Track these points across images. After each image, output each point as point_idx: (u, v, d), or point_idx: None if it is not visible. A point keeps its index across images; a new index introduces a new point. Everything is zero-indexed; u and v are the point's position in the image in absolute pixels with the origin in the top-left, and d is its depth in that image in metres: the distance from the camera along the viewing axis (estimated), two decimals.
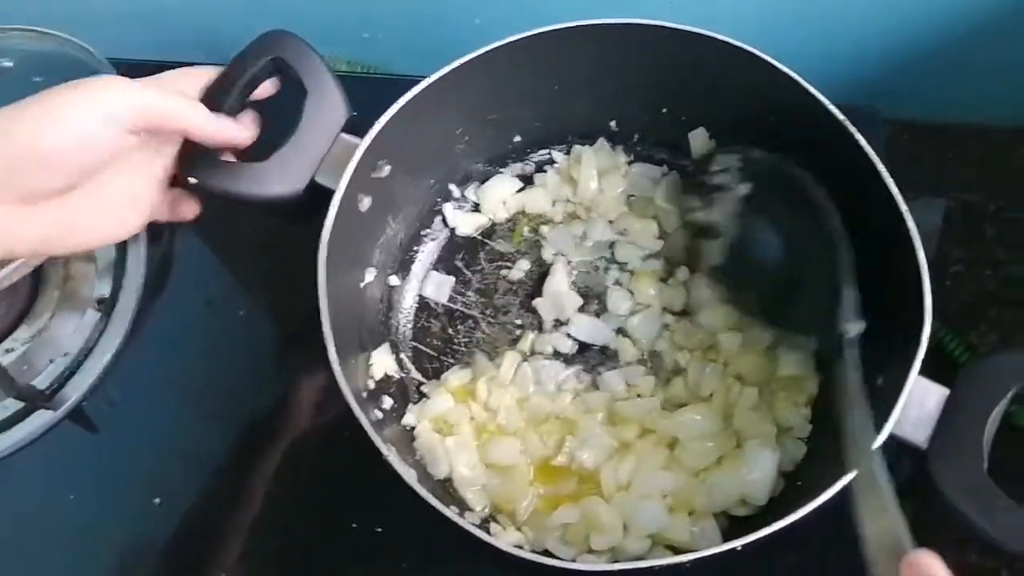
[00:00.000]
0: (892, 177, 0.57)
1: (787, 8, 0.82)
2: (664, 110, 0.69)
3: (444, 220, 0.72)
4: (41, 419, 0.71)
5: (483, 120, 0.68)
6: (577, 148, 0.72)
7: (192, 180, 0.58)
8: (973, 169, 0.95)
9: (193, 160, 0.58)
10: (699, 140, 0.69)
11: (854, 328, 0.53)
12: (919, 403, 0.50)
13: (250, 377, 0.73)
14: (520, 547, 0.54)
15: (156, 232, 0.79)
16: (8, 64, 0.79)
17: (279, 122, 0.60)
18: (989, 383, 0.50)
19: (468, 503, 0.61)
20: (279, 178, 0.58)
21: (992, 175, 0.94)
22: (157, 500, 0.68)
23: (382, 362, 0.66)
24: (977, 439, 0.48)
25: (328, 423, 0.68)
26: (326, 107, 0.58)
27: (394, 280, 0.69)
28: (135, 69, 0.74)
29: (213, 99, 0.58)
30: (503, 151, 0.72)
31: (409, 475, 0.51)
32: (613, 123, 0.71)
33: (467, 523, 0.52)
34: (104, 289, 0.76)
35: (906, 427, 0.50)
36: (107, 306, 0.75)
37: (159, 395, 0.73)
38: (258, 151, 0.59)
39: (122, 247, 0.78)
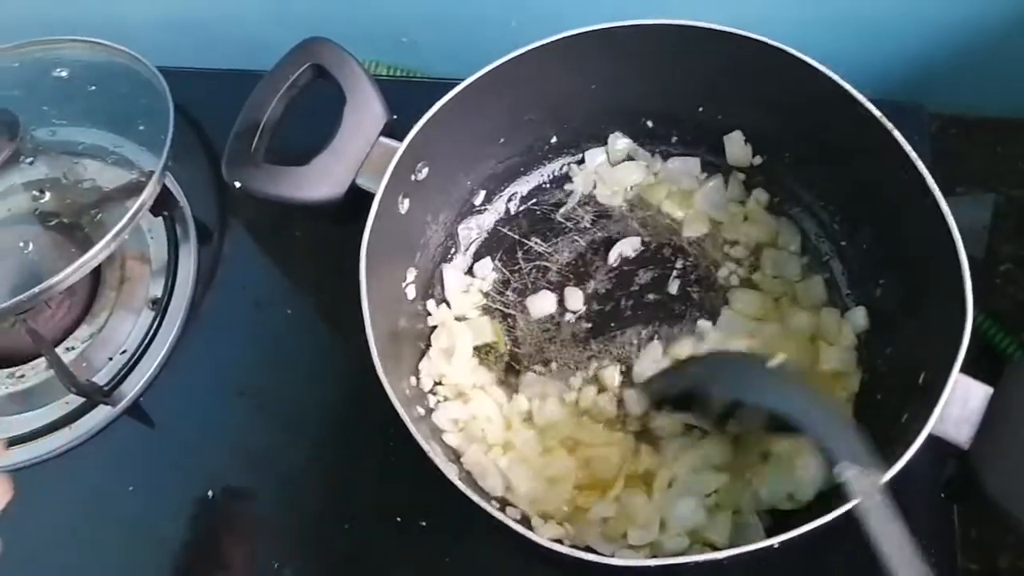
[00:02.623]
0: (939, 172, 0.56)
1: (827, 8, 0.82)
2: (700, 109, 0.69)
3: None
4: (101, 414, 0.75)
5: (520, 121, 0.69)
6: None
7: (237, 184, 0.60)
8: (1019, 162, 0.93)
9: (237, 164, 0.60)
10: (736, 145, 0.69)
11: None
12: (962, 402, 0.49)
13: (298, 374, 0.75)
14: (560, 542, 0.54)
15: (206, 235, 0.82)
16: (63, 74, 0.82)
17: (320, 127, 0.61)
18: None
19: (509, 500, 0.62)
20: (321, 181, 0.60)
21: None
22: (210, 493, 0.71)
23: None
24: (1021, 438, 0.47)
25: (372, 418, 0.69)
26: (365, 112, 0.60)
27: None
28: (182, 77, 0.78)
29: (255, 108, 0.59)
30: (540, 151, 0.73)
31: (451, 471, 0.53)
32: (649, 122, 0.72)
33: (508, 519, 0.53)
34: (157, 290, 0.79)
35: (948, 426, 0.49)
36: (161, 306, 0.78)
37: (211, 391, 0.76)
38: (300, 155, 0.60)
39: (174, 249, 0.81)
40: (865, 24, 0.85)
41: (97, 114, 0.82)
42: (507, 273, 0.72)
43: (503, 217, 0.74)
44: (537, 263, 0.72)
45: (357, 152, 0.60)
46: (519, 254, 0.73)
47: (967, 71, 0.90)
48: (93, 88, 0.82)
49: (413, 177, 0.62)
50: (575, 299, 0.69)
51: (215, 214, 0.83)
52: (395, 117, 0.62)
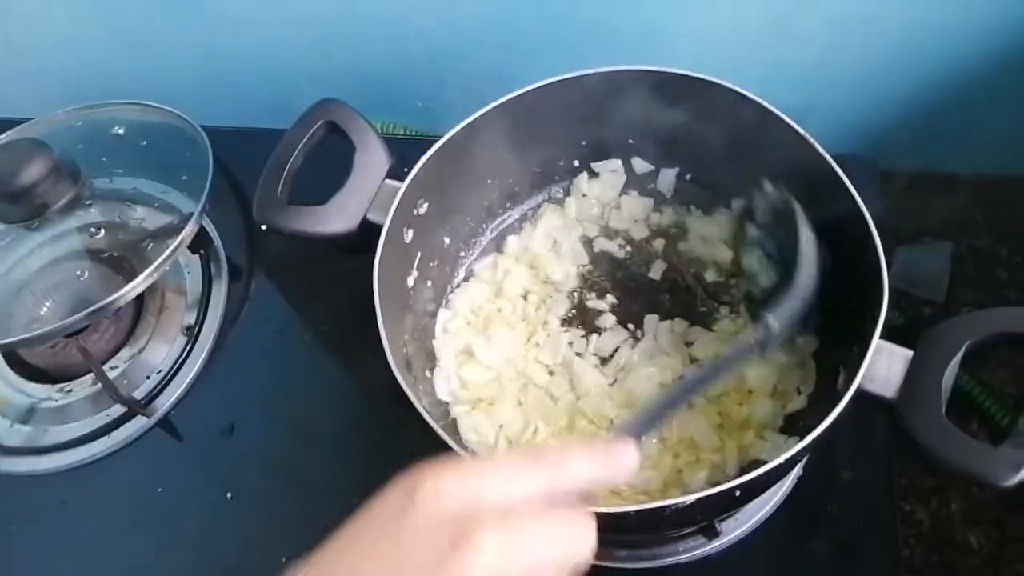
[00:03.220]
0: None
1: (793, 67, 0.91)
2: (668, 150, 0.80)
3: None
4: (137, 424, 0.84)
5: (505, 164, 0.79)
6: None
7: (264, 226, 0.70)
8: (984, 217, 1.01)
9: (266, 206, 0.70)
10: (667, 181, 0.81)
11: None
12: (887, 365, 0.58)
13: (315, 393, 0.84)
14: None
15: (236, 272, 0.93)
16: (120, 131, 0.94)
17: (336, 173, 0.72)
18: (945, 341, 0.58)
19: None
20: (337, 217, 0.70)
21: (1003, 222, 1.00)
22: (229, 495, 0.79)
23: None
24: (935, 388, 0.56)
25: (383, 431, 0.77)
26: (372, 158, 0.71)
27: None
28: (221, 134, 0.89)
29: (280, 158, 0.70)
30: (525, 188, 0.83)
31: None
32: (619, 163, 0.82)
33: None
34: (191, 319, 0.89)
35: (876, 384, 0.58)
36: (193, 333, 0.89)
37: (234, 407, 0.85)
38: (319, 197, 0.71)
39: (208, 283, 0.92)
40: (833, 86, 0.94)
41: (147, 165, 0.94)
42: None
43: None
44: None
45: (367, 192, 0.70)
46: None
47: (932, 130, 0.98)
48: (144, 143, 0.94)
49: (415, 211, 0.72)
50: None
51: (245, 253, 0.94)
52: (401, 165, 0.72)
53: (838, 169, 0.64)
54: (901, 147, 0.99)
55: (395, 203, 0.68)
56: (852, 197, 0.63)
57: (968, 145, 0.99)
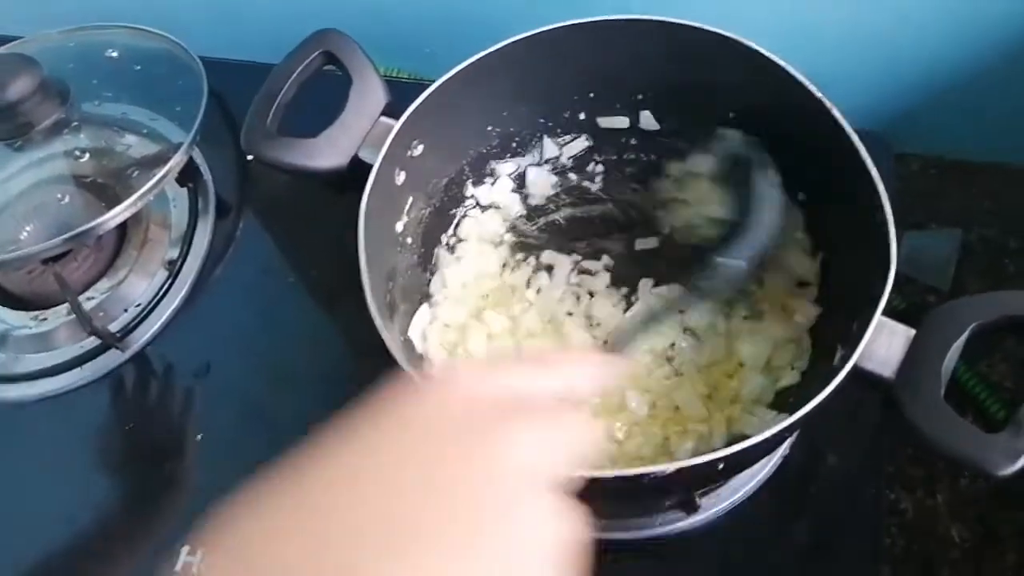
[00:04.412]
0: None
1: (821, 34, 0.88)
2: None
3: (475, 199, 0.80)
4: (111, 358, 0.82)
5: (505, 109, 0.76)
6: None
7: (250, 156, 0.67)
8: (994, 206, 0.99)
9: (254, 136, 0.67)
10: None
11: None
12: (887, 343, 0.56)
13: (295, 334, 0.82)
14: None
15: (224, 208, 0.90)
16: (113, 54, 0.91)
17: (331, 107, 0.69)
18: (949, 323, 0.55)
19: None
20: (327, 153, 0.67)
21: (1014, 213, 0.98)
22: (199, 436, 0.77)
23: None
24: (936, 370, 0.54)
25: (362, 376, 0.74)
26: (368, 93, 0.68)
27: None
28: (219, 66, 0.86)
29: (272, 87, 0.67)
30: (525, 138, 0.80)
31: None
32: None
33: None
34: (174, 253, 0.87)
35: (874, 363, 0.56)
36: (175, 268, 0.86)
37: (212, 346, 0.83)
38: (310, 129, 0.68)
39: (194, 217, 0.89)
40: (854, 61, 0.91)
41: (139, 92, 0.90)
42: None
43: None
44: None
45: (360, 128, 0.67)
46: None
47: (948, 115, 0.96)
48: (138, 68, 0.91)
49: (409, 153, 0.69)
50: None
51: (235, 190, 0.92)
52: (400, 105, 0.68)
53: (857, 141, 0.61)
54: (917, 130, 0.96)
55: (388, 141, 0.65)
56: (867, 169, 0.60)
57: (985, 133, 0.96)
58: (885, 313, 0.57)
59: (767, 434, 0.53)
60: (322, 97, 0.69)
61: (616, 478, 0.52)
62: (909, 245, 0.89)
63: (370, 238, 0.63)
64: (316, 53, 0.69)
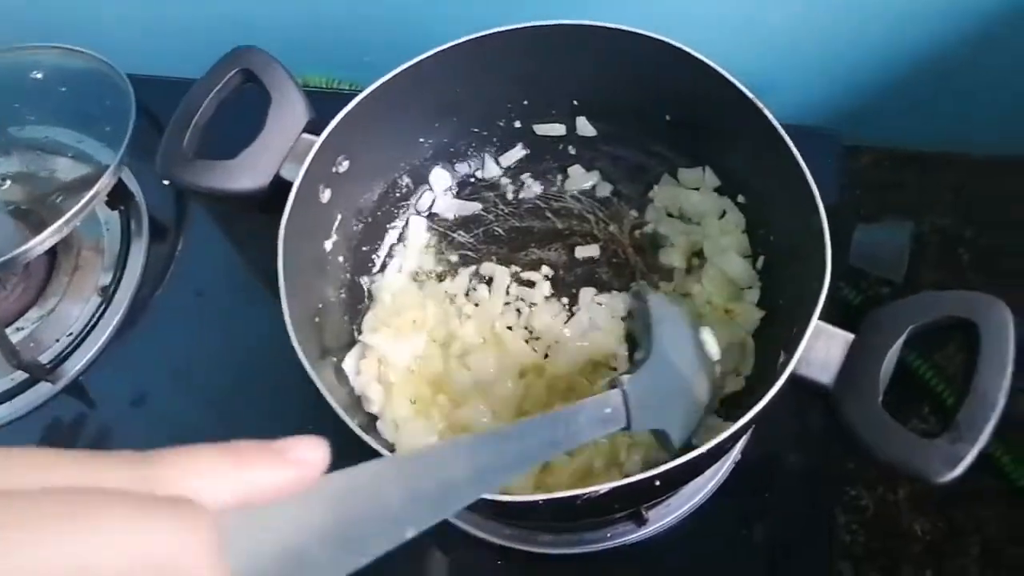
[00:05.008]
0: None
1: (757, 34, 0.86)
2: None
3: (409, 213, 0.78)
4: (42, 390, 0.79)
5: (436, 120, 0.74)
6: None
7: (165, 181, 0.65)
8: (949, 196, 0.98)
9: (170, 159, 0.65)
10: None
11: None
12: (825, 349, 0.54)
13: (230, 358, 0.79)
14: None
15: (159, 230, 0.88)
16: (39, 76, 0.88)
17: (253, 127, 0.66)
18: (888, 326, 0.54)
19: None
20: (247, 174, 0.64)
21: (968, 202, 0.97)
22: None
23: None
24: (874, 376, 0.52)
25: (295, 399, 0.72)
26: (289, 111, 0.65)
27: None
28: (149, 84, 0.83)
29: (188, 108, 0.65)
30: (460, 149, 0.78)
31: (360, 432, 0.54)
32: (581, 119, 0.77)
33: None
34: (107, 279, 0.84)
35: (813, 369, 0.54)
36: (109, 294, 0.83)
37: (148, 375, 0.80)
38: (232, 150, 0.65)
39: (127, 241, 0.86)
40: (801, 57, 0.90)
41: (66, 113, 0.88)
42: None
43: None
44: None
45: (281, 146, 0.65)
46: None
47: (898, 107, 0.94)
48: (64, 90, 0.88)
49: (334, 169, 0.67)
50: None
51: (170, 212, 0.89)
52: (326, 121, 0.66)
53: (789, 142, 0.60)
54: (868, 122, 0.95)
55: (308, 159, 0.62)
56: (800, 168, 0.59)
57: (937, 123, 0.95)
58: (835, 311, 0.55)
59: (703, 449, 0.51)
60: (245, 116, 0.67)
61: (548, 502, 0.50)
62: (861, 239, 0.88)
63: (294, 261, 0.61)
64: (234, 71, 0.66)
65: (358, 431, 0.54)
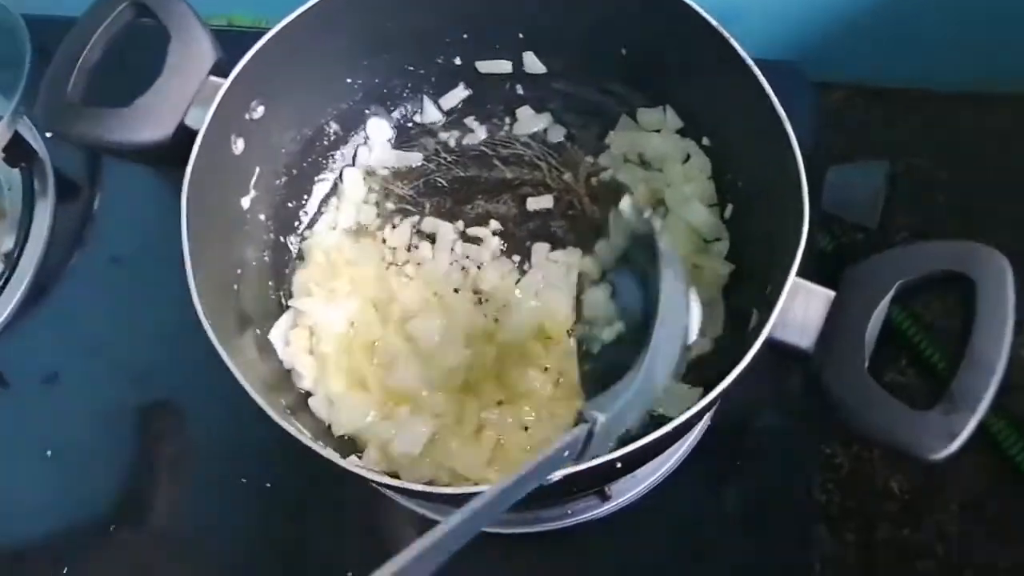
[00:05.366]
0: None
1: None
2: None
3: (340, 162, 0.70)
4: None
5: (364, 58, 0.66)
6: None
7: (47, 132, 0.56)
8: (923, 134, 0.93)
9: (49, 107, 0.56)
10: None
11: None
12: (804, 309, 0.49)
13: (148, 330, 0.72)
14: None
15: (68, 189, 0.79)
16: None
17: (147, 69, 0.58)
18: (871, 283, 0.48)
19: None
20: (145, 123, 0.56)
21: (942, 142, 0.92)
22: (49, 452, 0.68)
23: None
24: (859, 339, 0.47)
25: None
26: (192, 51, 0.57)
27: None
28: (48, 24, 0.74)
29: (71, 49, 0.56)
30: (394, 90, 0.70)
31: (281, 420, 0.49)
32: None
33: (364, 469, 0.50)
34: (10, 243, 0.76)
35: (791, 332, 0.48)
36: (12, 260, 0.75)
37: (60, 350, 0.73)
38: (124, 96, 0.57)
39: (30, 203, 0.77)
40: None
41: None
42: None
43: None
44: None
45: (184, 92, 0.56)
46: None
47: (870, 41, 0.88)
48: None
49: (247, 116, 0.59)
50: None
51: (79, 168, 0.80)
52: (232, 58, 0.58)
53: (757, 71, 0.53)
54: (839, 58, 0.89)
55: (215, 104, 0.54)
56: (771, 104, 0.52)
57: (912, 59, 0.90)
58: (807, 261, 0.49)
59: (668, 428, 0.46)
60: (141, 58, 0.58)
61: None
62: (832, 182, 0.82)
63: (204, 221, 0.54)
64: (124, 4, 0.57)
65: (279, 419, 0.47)
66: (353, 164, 0.70)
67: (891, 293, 0.47)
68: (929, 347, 0.67)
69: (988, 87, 0.89)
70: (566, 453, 0.41)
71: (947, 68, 0.89)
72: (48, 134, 0.56)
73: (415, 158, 0.70)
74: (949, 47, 0.87)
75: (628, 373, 0.44)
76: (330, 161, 0.69)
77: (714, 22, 0.56)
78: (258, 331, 0.59)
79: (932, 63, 0.89)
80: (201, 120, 0.55)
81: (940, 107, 0.93)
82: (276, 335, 0.61)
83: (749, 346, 0.48)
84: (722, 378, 0.47)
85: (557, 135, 0.70)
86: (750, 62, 0.54)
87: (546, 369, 0.61)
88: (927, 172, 0.92)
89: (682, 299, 0.47)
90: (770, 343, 0.48)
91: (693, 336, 0.48)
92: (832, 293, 0.49)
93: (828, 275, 0.51)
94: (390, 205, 0.69)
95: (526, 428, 0.60)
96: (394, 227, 0.68)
